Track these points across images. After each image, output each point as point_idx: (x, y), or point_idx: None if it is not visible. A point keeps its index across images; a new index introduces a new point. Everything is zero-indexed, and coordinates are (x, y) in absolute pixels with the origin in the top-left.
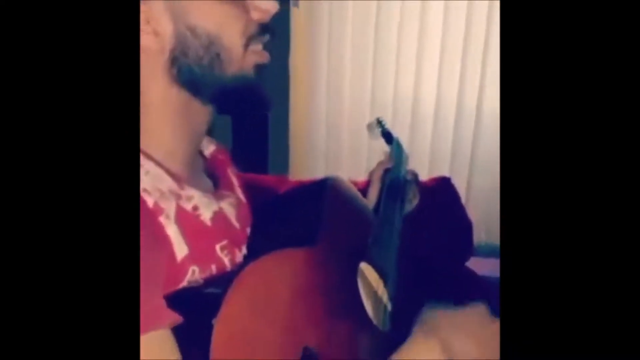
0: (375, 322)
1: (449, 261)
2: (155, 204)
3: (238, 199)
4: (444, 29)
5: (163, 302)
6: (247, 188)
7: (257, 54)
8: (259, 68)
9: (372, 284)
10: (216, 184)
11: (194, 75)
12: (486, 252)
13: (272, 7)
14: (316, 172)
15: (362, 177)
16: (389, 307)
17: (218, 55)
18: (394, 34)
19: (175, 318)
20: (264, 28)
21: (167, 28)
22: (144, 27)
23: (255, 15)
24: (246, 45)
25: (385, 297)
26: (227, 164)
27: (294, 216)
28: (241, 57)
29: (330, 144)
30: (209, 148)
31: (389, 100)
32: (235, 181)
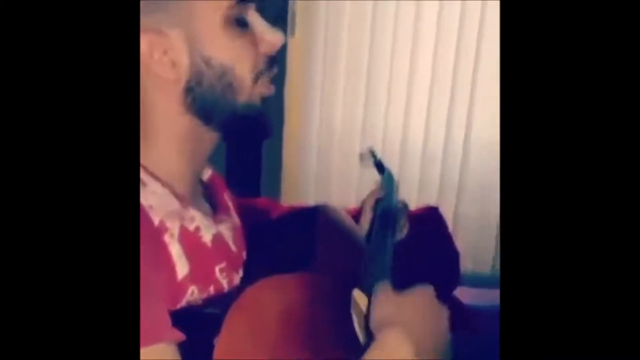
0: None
1: (436, 290)
2: (161, 222)
3: (234, 223)
4: (434, 59)
5: (166, 317)
6: (241, 211)
7: (264, 86)
8: (265, 98)
9: (363, 310)
10: (214, 208)
11: (207, 103)
12: (473, 282)
13: (279, 40)
14: (307, 197)
15: (351, 203)
16: None
17: (230, 84)
18: (385, 65)
19: (178, 335)
20: (272, 61)
21: (184, 59)
22: (162, 58)
23: (263, 48)
24: (256, 79)
25: None
26: (223, 188)
27: (288, 241)
28: (251, 87)
29: (321, 170)
30: (207, 173)
31: (379, 130)
32: (231, 205)
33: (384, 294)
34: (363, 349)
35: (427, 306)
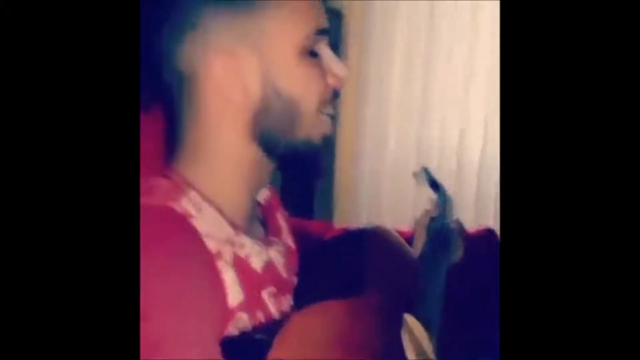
0: None
1: (494, 314)
2: (215, 248)
3: (286, 245)
4: (489, 74)
5: (217, 349)
6: (294, 232)
7: (325, 124)
8: (325, 137)
9: (417, 336)
10: (266, 230)
11: (271, 134)
12: None
13: (346, 73)
14: (360, 218)
15: (405, 225)
16: None
17: (295, 117)
18: (441, 81)
19: None
20: (336, 94)
21: (255, 85)
22: (234, 82)
23: (331, 81)
24: (320, 110)
25: (430, 351)
26: (278, 209)
27: (339, 264)
28: (313, 122)
29: (374, 191)
30: (263, 194)
31: (435, 148)
32: (284, 226)
33: None
34: None
35: None
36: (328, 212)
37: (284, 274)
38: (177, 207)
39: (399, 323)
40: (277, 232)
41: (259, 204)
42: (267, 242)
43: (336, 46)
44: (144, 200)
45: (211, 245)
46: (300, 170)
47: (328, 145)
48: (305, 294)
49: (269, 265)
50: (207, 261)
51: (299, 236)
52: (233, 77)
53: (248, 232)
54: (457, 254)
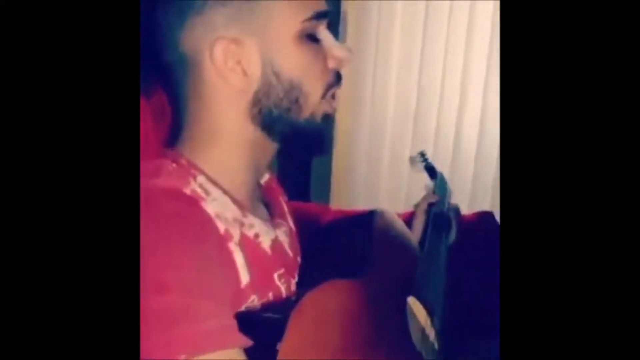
0: (424, 357)
1: (493, 295)
2: (226, 230)
3: (290, 227)
4: (488, 62)
5: (234, 323)
6: (294, 215)
7: (328, 104)
8: (327, 116)
9: (419, 320)
10: (270, 213)
11: (272, 117)
12: None
13: (346, 55)
14: (356, 202)
15: (401, 209)
16: (437, 344)
17: (296, 100)
18: (438, 68)
19: (245, 340)
20: (338, 76)
21: (255, 71)
22: (234, 67)
23: (331, 64)
24: (324, 94)
25: (432, 334)
26: (279, 192)
27: (342, 246)
28: (316, 103)
29: (371, 175)
30: (264, 177)
31: (431, 133)
32: (286, 209)
33: None
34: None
35: None
36: (325, 195)
37: (290, 254)
38: (186, 190)
39: (402, 305)
40: (281, 215)
41: (260, 186)
42: (273, 224)
43: (335, 28)
44: (151, 183)
45: (221, 226)
46: (303, 148)
47: (329, 123)
48: (310, 274)
49: (276, 245)
50: (219, 242)
51: (299, 218)
52: (233, 63)
53: (254, 213)
54: (453, 236)
